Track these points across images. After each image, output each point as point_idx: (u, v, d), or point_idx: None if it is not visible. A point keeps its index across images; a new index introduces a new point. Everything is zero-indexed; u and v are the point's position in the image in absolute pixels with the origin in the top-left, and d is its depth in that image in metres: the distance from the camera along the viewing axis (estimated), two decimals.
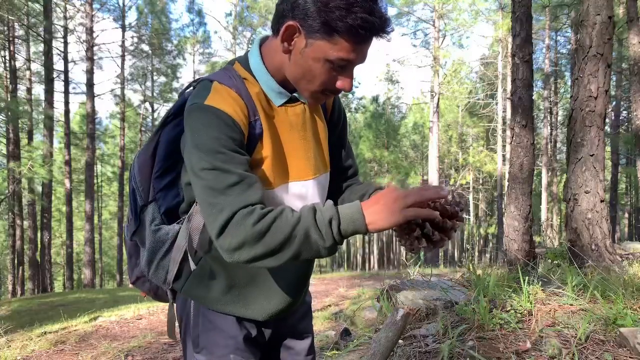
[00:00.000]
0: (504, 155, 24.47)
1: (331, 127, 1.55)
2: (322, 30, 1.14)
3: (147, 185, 1.45)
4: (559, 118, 30.11)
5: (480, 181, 37.11)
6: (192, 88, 1.39)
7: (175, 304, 1.55)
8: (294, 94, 1.35)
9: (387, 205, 1.12)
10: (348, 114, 33.22)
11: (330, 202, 1.17)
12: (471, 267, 4.56)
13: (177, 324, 1.56)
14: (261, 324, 1.48)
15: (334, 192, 1.63)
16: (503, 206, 20.56)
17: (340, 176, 1.63)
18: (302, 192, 1.37)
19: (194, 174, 1.19)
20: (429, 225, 1.16)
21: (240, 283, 1.38)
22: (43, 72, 20.64)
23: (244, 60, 1.35)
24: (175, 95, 28.52)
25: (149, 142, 1.47)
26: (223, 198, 1.14)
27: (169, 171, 1.42)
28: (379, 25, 1.14)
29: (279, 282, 1.40)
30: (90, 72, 21.05)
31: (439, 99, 25.73)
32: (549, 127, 26.94)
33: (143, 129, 32.16)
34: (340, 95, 1.56)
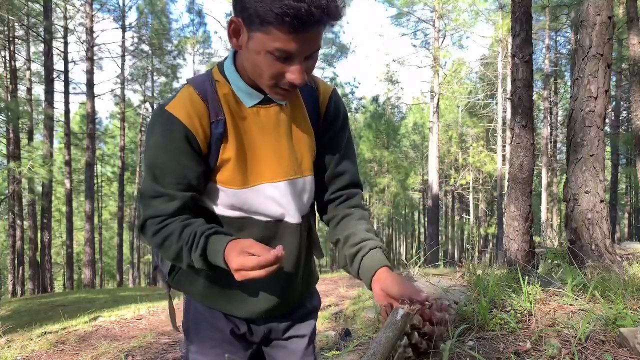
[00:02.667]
0: (503, 156, 24.47)
1: (324, 128, 1.50)
2: (257, 22, 1.12)
3: None
4: (559, 118, 30.12)
5: (480, 181, 37.11)
6: None
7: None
8: (268, 96, 1.34)
9: (233, 253, 1.19)
10: (348, 114, 33.19)
11: (198, 254, 1.24)
12: (471, 267, 4.56)
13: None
14: (251, 321, 1.51)
15: (321, 200, 1.56)
16: (503, 206, 20.56)
17: (330, 183, 1.54)
18: (272, 194, 1.36)
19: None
20: (416, 334, 1.19)
21: (220, 281, 1.40)
22: (43, 72, 20.64)
23: (221, 63, 1.38)
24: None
25: None
26: (144, 204, 1.32)
27: None
28: (308, 12, 1.07)
29: (258, 283, 1.36)
30: (90, 72, 21.06)
31: (438, 99, 25.73)
32: (548, 127, 26.95)
33: (143, 129, 32.18)
34: (339, 95, 1.57)
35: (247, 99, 1.33)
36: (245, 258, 1.14)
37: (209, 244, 1.23)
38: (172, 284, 1.55)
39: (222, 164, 1.31)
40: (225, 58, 1.39)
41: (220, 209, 1.38)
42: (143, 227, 1.34)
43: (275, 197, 1.37)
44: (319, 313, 6.33)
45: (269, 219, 1.39)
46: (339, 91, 29.66)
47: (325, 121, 1.50)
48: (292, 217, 1.41)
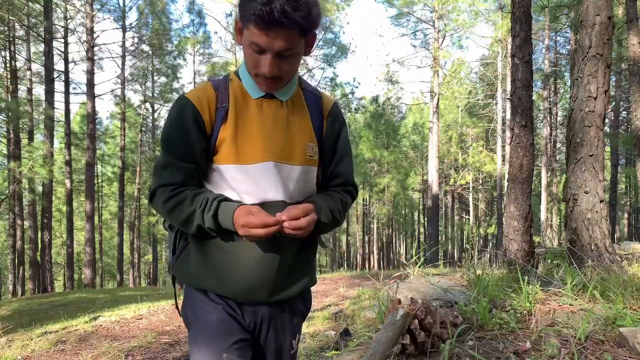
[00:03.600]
0: (503, 156, 24.48)
1: (327, 132, 1.71)
2: (244, 20, 1.41)
3: None
4: (559, 118, 30.13)
5: (480, 181, 37.12)
6: None
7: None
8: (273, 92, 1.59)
9: (240, 215, 1.44)
10: (348, 114, 33.16)
11: (210, 215, 1.48)
12: (471, 267, 4.56)
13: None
14: (242, 308, 1.62)
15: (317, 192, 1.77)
16: (503, 206, 20.55)
17: (328, 181, 1.76)
18: (261, 172, 1.54)
19: None
20: (417, 322, 1.20)
21: (211, 260, 1.59)
22: (43, 73, 20.64)
23: (239, 68, 1.65)
24: (176, 96, 28.55)
25: None
26: (156, 174, 1.56)
27: None
28: (270, 14, 1.33)
29: (242, 260, 1.56)
30: (90, 73, 21.07)
31: (438, 99, 25.73)
32: (548, 128, 26.95)
33: (143, 129, 32.18)
34: (339, 106, 1.80)
35: (253, 92, 1.58)
36: (250, 216, 1.41)
37: (221, 207, 1.48)
38: (174, 272, 1.72)
39: (220, 143, 1.53)
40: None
41: (216, 190, 1.59)
42: (153, 196, 1.57)
43: (263, 176, 1.54)
44: (319, 313, 6.34)
45: (254, 202, 1.54)
46: (339, 91, 29.65)
47: (328, 127, 1.71)
48: (275, 194, 1.56)
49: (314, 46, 1.64)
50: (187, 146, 1.52)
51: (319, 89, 1.80)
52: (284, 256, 1.59)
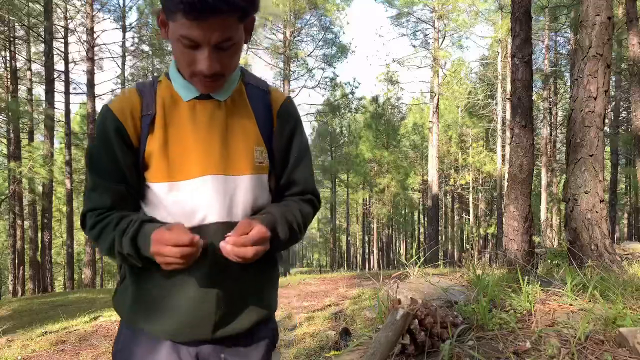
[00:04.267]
0: (503, 156, 24.49)
1: (277, 134, 1.45)
2: (169, 10, 1.18)
3: None
4: (559, 118, 30.12)
5: (480, 181, 37.13)
6: None
7: None
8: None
9: (154, 244, 1.19)
10: (348, 114, 33.16)
11: (129, 237, 1.24)
12: (471, 267, 4.57)
13: None
14: (180, 351, 1.39)
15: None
16: (502, 206, 20.56)
17: (284, 190, 1.51)
18: (196, 189, 1.31)
19: None
20: (417, 322, 1.16)
21: (145, 294, 1.37)
22: (44, 73, 20.65)
23: (170, 67, 1.42)
24: None
25: None
26: (85, 197, 1.36)
27: None
28: (202, 0, 1.11)
29: (181, 296, 1.33)
30: (90, 73, 21.06)
31: (438, 99, 25.75)
32: (548, 128, 26.96)
33: None
34: (294, 103, 1.53)
35: (185, 93, 1.35)
36: (166, 234, 1.16)
37: (142, 229, 1.24)
38: (113, 304, 1.51)
39: (149, 156, 1.31)
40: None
41: (152, 211, 1.35)
42: (83, 221, 1.37)
43: (198, 193, 1.31)
44: (319, 313, 6.33)
45: (192, 225, 1.29)
46: (339, 91, 29.59)
47: (278, 127, 1.45)
48: (217, 215, 1.32)
49: (253, 31, 1.36)
50: (113, 163, 1.30)
51: (268, 82, 1.54)
52: (229, 284, 1.35)
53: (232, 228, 1.25)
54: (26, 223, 22.15)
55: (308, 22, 26.43)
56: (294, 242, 1.44)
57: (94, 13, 21.53)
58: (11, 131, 20.33)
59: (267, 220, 1.30)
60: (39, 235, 21.04)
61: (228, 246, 1.18)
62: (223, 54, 1.23)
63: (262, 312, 1.45)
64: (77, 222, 33.82)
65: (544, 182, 25.78)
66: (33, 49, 23.49)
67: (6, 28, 20.14)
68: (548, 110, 27.19)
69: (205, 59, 1.20)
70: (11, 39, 20.98)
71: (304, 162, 1.51)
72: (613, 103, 22.71)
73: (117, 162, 1.30)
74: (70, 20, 22.46)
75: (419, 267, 4.70)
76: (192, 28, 1.16)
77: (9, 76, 20.78)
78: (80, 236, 34.62)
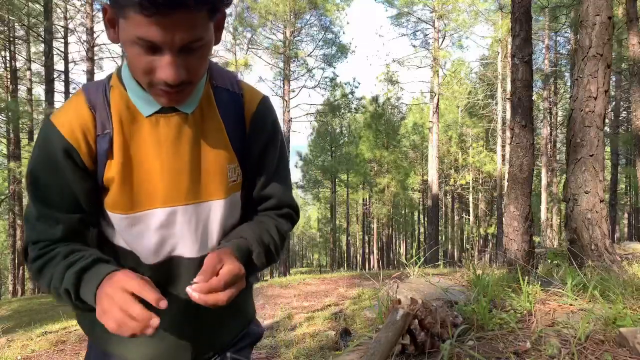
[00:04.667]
0: (503, 156, 24.50)
1: (250, 142, 1.26)
2: (118, 6, 0.95)
3: None
4: (559, 118, 30.14)
5: (480, 181, 37.13)
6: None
7: None
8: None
9: (98, 303, 0.98)
10: (348, 114, 33.17)
11: (74, 270, 1.03)
12: (471, 267, 4.56)
13: None
14: None
15: (242, 221, 1.32)
16: (503, 206, 20.57)
17: (257, 205, 1.33)
18: (162, 221, 1.14)
19: None
20: (417, 322, 1.12)
21: None
22: (43, 73, 20.66)
23: (121, 68, 1.16)
24: None
25: None
26: (28, 226, 1.13)
27: None
28: None
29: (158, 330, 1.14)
30: (90, 73, 21.03)
31: (438, 99, 25.76)
32: (548, 128, 26.97)
33: None
34: (270, 103, 1.32)
35: (145, 107, 1.11)
36: (113, 299, 0.95)
37: (95, 266, 1.04)
38: (77, 319, 1.34)
39: (108, 184, 1.10)
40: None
41: (117, 240, 1.18)
42: (26, 253, 1.15)
43: (167, 224, 1.15)
44: (319, 313, 6.34)
45: (157, 260, 1.17)
46: (339, 92, 29.63)
47: (252, 134, 1.25)
48: (189, 250, 1.18)
49: (224, 30, 1.14)
50: (62, 190, 1.08)
51: (242, 79, 1.30)
52: (206, 310, 1.13)
53: (202, 260, 1.11)
54: None
55: (308, 22, 26.44)
56: (271, 264, 1.27)
57: (93, 13, 21.50)
58: (11, 131, 20.32)
59: (240, 250, 1.14)
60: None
61: (195, 294, 0.99)
62: (190, 58, 0.99)
63: (243, 322, 1.38)
64: None
65: (544, 182, 25.79)
66: (33, 49, 23.50)
67: (6, 28, 20.13)
68: (548, 110, 27.21)
69: (168, 65, 0.96)
70: (11, 39, 20.99)
71: (280, 172, 1.33)
72: (613, 103, 22.72)
73: (68, 188, 1.08)
74: (70, 20, 22.46)
75: (419, 267, 4.70)
76: (151, 27, 0.92)
77: (8, 76, 20.78)
78: None
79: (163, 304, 0.94)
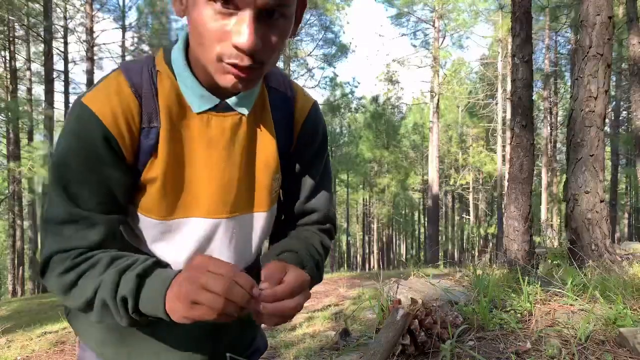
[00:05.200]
0: (503, 156, 24.49)
1: (297, 151, 1.14)
2: None
3: None
4: (559, 118, 30.14)
5: (480, 181, 37.13)
6: None
7: None
8: (227, 100, 0.99)
9: (182, 295, 0.79)
10: (348, 114, 33.19)
11: (133, 274, 0.86)
12: (471, 267, 4.56)
13: None
14: None
15: (278, 235, 1.20)
16: (503, 206, 20.58)
17: (294, 219, 1.20)
18: (202, 233, 1.02)
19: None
20: (417, 323, 1.06)
21: (125, 334, 1.07)
22: (43, 73, 20.65)
23: (167, 51, 1.01)
24: None
25: None
26: (51, 232, 0.93)
27: None
28: None
29: (172, 341, 1.07)
30: (90, 73, 21.04)
31: (438, 99, 25.75)
32: (548, 128, 26.98)
33: None
34: (320, 111, 1.19)
35: (196, 102, 0.97)
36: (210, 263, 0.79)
37: (157, 269, 0.90)
38: (70, 322, 1.18)
39: (146, 184, 0.97)
40: (176, 40, 1.03)
41: (143, 247, 1.04)
42: (46, 268, 0.94)
43: (206, 238, 1.03)
44: (319, 313, 6.33)
45: None
46: (339, 91, 29.66)
47: (299, 143, 1.13)
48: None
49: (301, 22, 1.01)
50: (101, 187, 0.92)
51: (293, 80, 1.17)
52: (229, 328, 1.13)
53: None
54: (25, 223, 22.12)
55: (308, 22, 26.43)
56: (314, 284, 1.10)
57: (93, 12, 21.52)
58: (11, 131, 20.32)
59: (295, 262, 1.01)
60: (39, 235, 21.03)
61: (268, 305, 0.81)
62: (268, 30, 0.84)
63: (254, 333, 1.29)
64: None
65: (544, 182, 25.79)
66: (32, 49, 23.51)
67: (6, 28, 20.13)
68: (548, 110, 27.21)
69: (245, 27, 0.81)
70: (11, 39, 20.99)
71: (325, 185, 1.20)
72: (613, 103, 22.72)
73: (106, 184, 0.93)
74: (69, 20, 22.47)
75: (419, 267, 4.69)
76: None
77: (8, 76, 20.78)
78: None
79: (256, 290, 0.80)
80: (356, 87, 29.66)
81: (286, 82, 1.12)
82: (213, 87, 0.97)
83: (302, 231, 1.17)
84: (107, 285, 0.86)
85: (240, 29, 0.80)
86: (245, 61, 0.84)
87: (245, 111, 1.00)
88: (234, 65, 0.85)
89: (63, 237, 0.91)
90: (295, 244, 1.08)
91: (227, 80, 0.87)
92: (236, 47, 0.82)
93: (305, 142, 1.13)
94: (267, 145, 1.06)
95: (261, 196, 1.07)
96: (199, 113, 0.98)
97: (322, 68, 27.95)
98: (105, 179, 0.92)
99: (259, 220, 1.09)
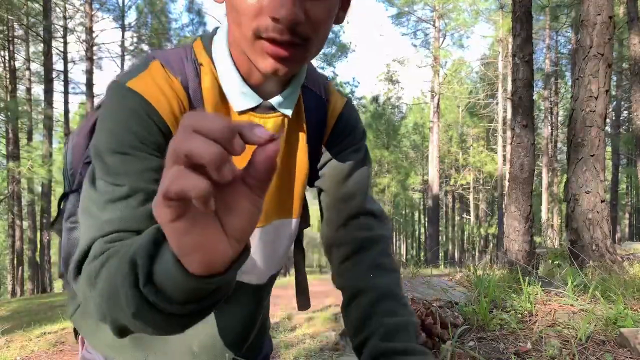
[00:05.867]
0: (504, 156, 24.49)
1: (331, 149, 1.07)
2: None
3: (77, 170, 1.09)
4: (560, 118, 30.13)
5: (481, 181, 37.13)
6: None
7: None
8: (270, 100, 0.91)
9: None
10: None
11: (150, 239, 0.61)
12: (471, 268, 4.55)
13: None
14: None
15: (332, 245, 1.10)
16: (503, 206, 20.57)
17: (334, 215, 1.09)
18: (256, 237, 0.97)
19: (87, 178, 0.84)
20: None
21: (139, 340, 1.00)
22: (42, 72, 20.65)
23: (207, 40, 0.93)
24: None
25: (87, 118, 1.10)
26: (89, 221, 0.78)
27: None
28: None
29: (189, 339, 1.00)
30: (89, 72, 21.03)
31: (439, 99, 25.75)
32: (549, 127, 26.97)
33: None
34: (354, 108, 1.12)
35: (238, 100, 0.89)
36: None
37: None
38: (74, 324, 1.11)
39: None
40: (214, 31, 0.95)
41: None
42: (83, 262, 0.76)
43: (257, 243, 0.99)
44: (319, 314, 6.34)
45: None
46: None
47: (330, 143, 1.06)
48: (255, 276, 1.02)
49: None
50: (152, 174, 0.79)
51: (328, 81, 1.08)
52: (249, 337, 1.08)
53: (263, 287, 1.04)
54: (25, 223, 22.14)
55: None
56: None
57: (93, 12, 21.52)
58: (10, 131, 20.32)
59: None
60: (38, 235, 21.05)
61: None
62: (311, 3, 0.75)
63: (264, 336, 1.24)
64: None
65: (545, 182, 25.78)
66: (32, 49, 23.52)
67: (5, 27, 20.13)
68: (549, 110, 27.21)
69: None
70: (10, 39, 20.99)
71: (365, 184, 1.10)
72: (614, 103, 22.71)
73: (157, 173, 0.79)
74: (69, 20, 22.48)
75: (420, 267, 4.68)
76: None
77: (8, 76, 20.78)
78: None
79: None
80: (356, 87, 29.63)
81: (321, 82, 1.05)
82: (256, 84, 0.90)
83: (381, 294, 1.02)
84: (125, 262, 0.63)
85: (280, 2, 0.72)
86: (285, 35, 0.75)
87: (289, 112, 0.93)
88: (273, 41, 0.76)
89: (112, 217, 0.76)
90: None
91: (267, 64, 0.78)
92: (274, 19, 0.73)
93: (336, 141, 1.06)
94: (301, 148, 1.00)
95: (296, 200, 1.02)
96: (240, 112, 0.89)
97: (322, 68, 27.94)
98: (156, 167, 0.79)
99: (291, 226, 1.04)
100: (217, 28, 0.94)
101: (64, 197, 1.11)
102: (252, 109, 0.89)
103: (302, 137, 0.99)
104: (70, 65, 22.28)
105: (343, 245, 1.08)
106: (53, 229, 1.14)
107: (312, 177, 1.07)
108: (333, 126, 1.05)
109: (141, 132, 0.80)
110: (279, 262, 1.06)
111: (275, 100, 0.91)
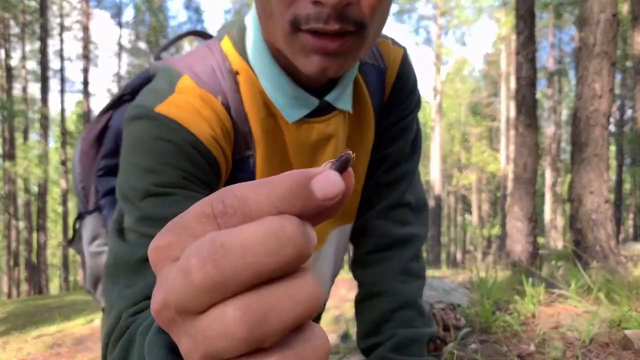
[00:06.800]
0: (507, 155, 24.44)
1: (387, 118, 0.91)
2: None
3: (89, 184, 0.99)
4: (563, 117, 30.07)
5: (483, 181, 37.09)
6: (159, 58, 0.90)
7: None
8: (325, 99, 0.75)
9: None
10: None
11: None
12: (474, 269, 4.50)
13: None
14: None
15: (363, 232, 1.00)
16: (506, 207, 20.54)
17: (374, 200, 0.96)
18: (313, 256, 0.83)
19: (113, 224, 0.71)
20: None
21: None
22: (39, 71, 20.66)
23: (238, 36, 0.76)
24: None
25: (94, 123, 1.00)
26: (122, 278, 0.65)
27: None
28: None
29: None
30: (86, 71, 21.04)
31: (441, 97, 25.70)
32: (553, 126, 26.91)
33: None
34: (410, 61, 0.94)
35: (290, 108, 0.73)
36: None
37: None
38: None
39: None
40: (242, 23, 0.77)
41: None
42: (109, 335, 0.63)
43: (314, 260, 0.87)
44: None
45: None
46: None
47: (383, 114, 0.90)
48: (325, 280, 0.97)
49: None
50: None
51: (381, 40, 0.90)
52: None
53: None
54: (21, 224, 22.19)
55: None
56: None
57: (89, 10, 21.53)
58: (6, 130, 20.34)
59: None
60: (34, 236, 21.08)
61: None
62: None
63: None
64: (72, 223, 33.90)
65: (548, 181, 25.71)
66: (28, 47, 23.56)
67: (1, 25, 20.14)
68: (552, 109, 27.14)
69: None
70: (6, 37, 21.01)
71: (414, 171, 0.99)
72: (618, 102, 22.66)
73: None
74: (65, 18, 22.51)
75: None
76: None
77: (3, 74, 20.80)
78: None
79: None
80: None
81: (375, 49, 0.87)
82: (305, 82, 0.74)
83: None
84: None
85: None
86: (332, 23, 0.59)
87: (349, 107, 0.79)
88: (316, 33, 0.60)
89: (139, 289, 0.62)
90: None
91: (311, 64, 0.64)
92: (315, 2, 0.58)
93: (392, 110, 0.90)
94: (366, 141, 0.86)
95: (354, 204, 0.92)
96: (294, 123, 0.74)
97: None
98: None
99: (349, 231, 0.97)
100: (242, 19, 0.78)
101: (79, 217, 1.04)
102: (309, 115, 0.75)
103: (368, 126, 0.85)
104: (66, 63, 22.57)
105: (375, 237, 0.99)
106: (71, 247, 1.08)
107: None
108: (389, 93, 0.89)
109: (184, 167, 0.66)
110: (340, 266, 1.02)
111: (331, 96, 0.76)
